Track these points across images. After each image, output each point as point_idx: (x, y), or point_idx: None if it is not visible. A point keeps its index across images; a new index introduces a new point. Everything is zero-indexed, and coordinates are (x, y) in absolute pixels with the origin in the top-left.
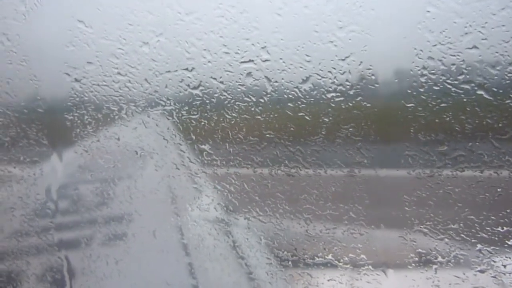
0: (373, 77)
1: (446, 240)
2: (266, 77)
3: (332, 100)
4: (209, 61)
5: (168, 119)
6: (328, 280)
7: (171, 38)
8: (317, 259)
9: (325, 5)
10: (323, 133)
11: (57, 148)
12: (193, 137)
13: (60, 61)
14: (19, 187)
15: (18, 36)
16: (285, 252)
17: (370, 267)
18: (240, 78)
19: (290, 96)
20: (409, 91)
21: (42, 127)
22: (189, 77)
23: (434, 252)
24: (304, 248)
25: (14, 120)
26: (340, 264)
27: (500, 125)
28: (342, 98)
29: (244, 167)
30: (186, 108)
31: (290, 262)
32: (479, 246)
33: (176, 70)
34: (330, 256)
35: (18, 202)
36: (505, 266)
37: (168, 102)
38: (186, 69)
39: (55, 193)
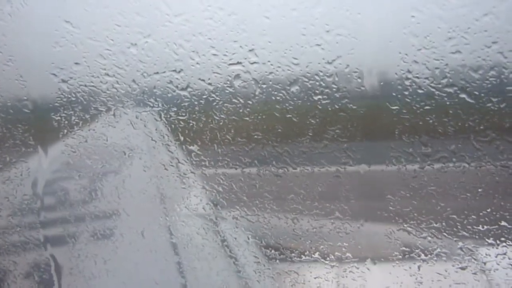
0: (359, 80)
1: (429, 238)
2: (254, 79)
3: (319, 102)
4: (197, 63)
5: (156, 120)
6: (315, 278)
7: (159, 40)
8: (304, 257)
9: (313, 9)
10: (310, 134)
11: (44, 149)
12: (182, 138)
13: (47, 62)
14: (5, 187)
15: (4, 36)
16: (273, 251)
17: (355, 264)
18: (228, 80)
19: (278, 98)
20: (394, 94)
21: (29, 127)
22: (177, 78)
23: (417, 250)
24: (291, 247)
25: (0, 121)
26: (327, 261)
27: (481, 127)
28: (328, 101)
29: (232, 168)
30: (175, 109)
31: (277, 260)
32: (460, 244)
33: (164, 72)
34: (316, 254)
35: (5, 203)
36: (485, 263)
37: (156, 103)
38: (174, 70)
39: (42, 194)
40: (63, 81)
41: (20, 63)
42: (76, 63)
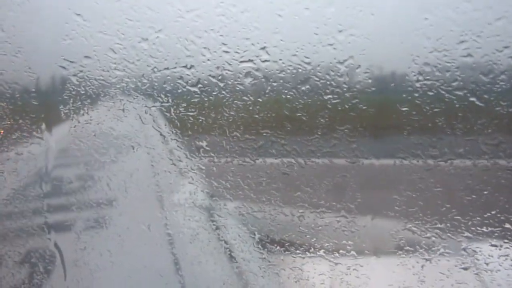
0: (370, 81)
1: (433, 238)
2: (265, 77)
3: (329, 102)
4: (208, 59)
5: (166, 115)
6: (319, 274)
7: (170, 35)
8: (308, 253)
9: (326, 8)
10: (319, 133)
11: (51, 142)
12: (191, 133)
13: (57, 54)
14: (13, 179)
15: (14, 27)
16: (278, 247)
17: (360, 262)
18: (239, 78)
19: (288, 96)
20: (404, 95)
21: (37, 120)
22: (187, 74)
23: (421, 249)
24: (296, 243)
25: (8, 112)
26: (331, 259)
27: (489, 131)
28: (338, 100)
29: (240, 165)
30: (184, 105)
31: (282, 257)
32: (464, 244)
33: (175, 67)
34: (321, 251)
35: (12, 194)
36: (487, 264)
37: (166, 99)
38: (185, 66)
39: (49, 188)
40: (73, 74)
41: (29, 55)
42: (86, 57)
